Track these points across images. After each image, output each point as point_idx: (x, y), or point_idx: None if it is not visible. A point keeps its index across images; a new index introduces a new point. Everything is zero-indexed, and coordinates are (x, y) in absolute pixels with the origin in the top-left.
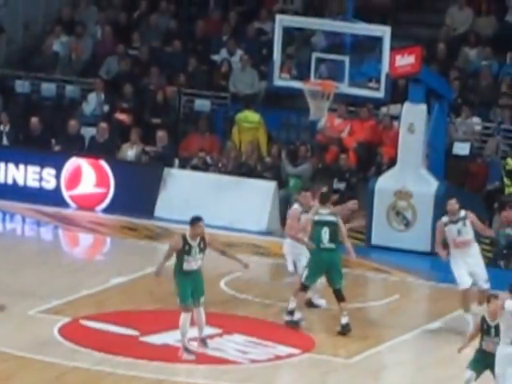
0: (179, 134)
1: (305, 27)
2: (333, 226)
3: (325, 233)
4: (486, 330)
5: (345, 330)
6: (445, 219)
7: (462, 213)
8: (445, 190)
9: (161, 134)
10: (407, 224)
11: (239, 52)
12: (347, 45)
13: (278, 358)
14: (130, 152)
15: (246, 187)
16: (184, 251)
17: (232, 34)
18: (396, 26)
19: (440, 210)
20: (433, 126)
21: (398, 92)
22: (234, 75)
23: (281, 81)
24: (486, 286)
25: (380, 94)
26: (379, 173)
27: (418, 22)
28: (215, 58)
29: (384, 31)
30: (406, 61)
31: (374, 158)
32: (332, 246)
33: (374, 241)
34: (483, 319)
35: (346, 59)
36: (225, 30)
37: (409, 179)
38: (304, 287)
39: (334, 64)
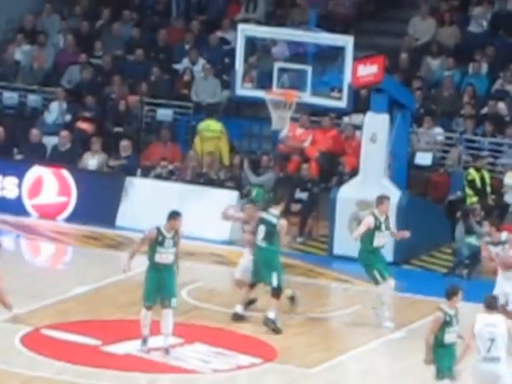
0: (141, 144)
1: (267, 37)
2: (270, 227)
3: (261, 231)
4: None
5: (268, 322)
6: (487, 239)
7: (504, 236)
8: (407, 200)
9: (125, 144)
10: None
11: (201, 61)
12: (310, 54)
13: (240, 367)
14: (91, 161)
15: (208, 196)
16: (157, 242)
17: (194, 43)
18: (359, 36)
19: (402, 219)
20: (395, 135)
21: (361, 102)
22: (197, 84)
23: (243, 90)
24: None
25: (342, 104)
26: (341, 183)
27: (380, 31)
28: (177, 67)
29: (346, 41)
30: (369, 70)
31: (336, 168)
32: (263, 244)
33: (336, 251)
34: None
35: (309, 69)
36: (187, 39)
37: (371, 189)
38: (250, 285)
39: (296, 73)
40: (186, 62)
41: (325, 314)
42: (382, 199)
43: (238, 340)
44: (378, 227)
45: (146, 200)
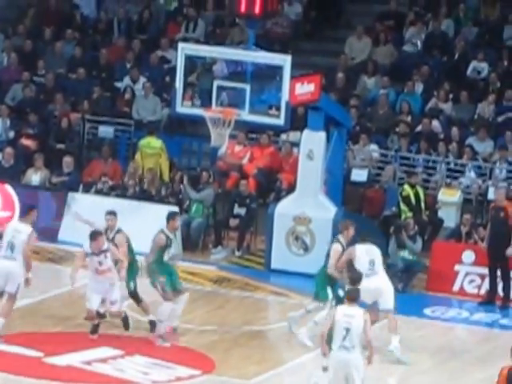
0: (83, 160)
1: (207, 55)
2: None
3: None
4: None
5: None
6: None
7: None
8: (342, 216)
9: (67, 160)
10: (306, 249)
11: (142, 79)
12: (248, 73)
13: (179, 379)
14: (34, 177)
15: (147, 212)
16: (166, 246)
17: (135, 61)
18: (296, 55)
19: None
20: (331, 152)
21: (298, 119)
22: (137, 102)
23: (183, 108)
24: None
25: (280, 122)
26: (279, 198)
27: (317, 50)
28: (119, 85)
29: (284, 60)
30: (306, 89)
31: (273, 184)
32: None
33: (274, 265)
34: None
35: (247, 87)
36: (128, 58)
37: (307, 205)
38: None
39: (235, 92)
40: (127, 80)
41: (262, 326)
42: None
43: (177, 352)
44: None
45: (87, 215)
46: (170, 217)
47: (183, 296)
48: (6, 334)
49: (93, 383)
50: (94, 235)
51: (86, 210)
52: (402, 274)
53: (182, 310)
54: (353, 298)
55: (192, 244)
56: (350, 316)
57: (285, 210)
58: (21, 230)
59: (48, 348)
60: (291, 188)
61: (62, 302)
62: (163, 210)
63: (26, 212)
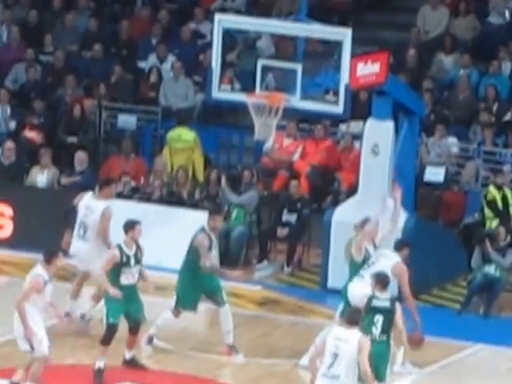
0: (99, 156)
1: (249, 29)
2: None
3: None
4: None
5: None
6: None
7: None
8: (414, 224)
9: (81, 156)
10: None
11: (171, 58)
12: (300, 50)
13: None
14: (40, 177)
15: (177, 219)
16: (122, 263)
17: (163, 36)
18: (358, 29)
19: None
20: (401, 147)
21: (360, 106)
22: (165, 86)
23: (220, 93)
24: None
25: (338, 109)
26: (337, 203)
27: (384, 23)
28: (142, 65)
29: (344, 34)
30: (370, 69)
31: (330, 186)
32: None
33: (331, 283)
34: None
35: (298, 67)
36: (154, 32)
37: (372, 210)
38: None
39: (283, 73)
40: (152, 59)
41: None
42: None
43: None
44: None
45: None
46: (128, 227)
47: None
48: (6, 368)
49: None
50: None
51: None
52: (480, 294)
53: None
54: (351, 321)
55: (232, 258)
56: (342, 340)
57: (344, 216)
58: (93, 209)
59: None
60: (352, 190)
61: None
62: (197, 216)
63: (101, 186)
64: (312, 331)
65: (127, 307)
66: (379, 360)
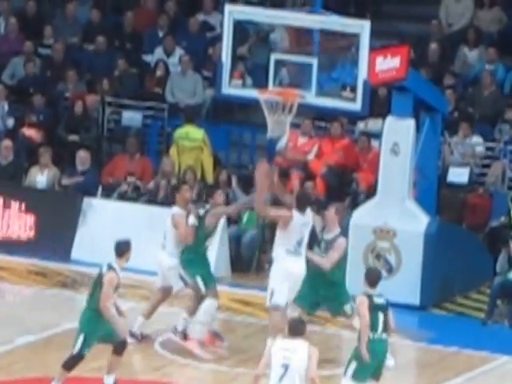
0: (103, 156)
1: (262, 21)
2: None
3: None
4: None
5: None
6: None
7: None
8: (437, 228)
9: (83, 155)
10: (390, 270)
11: (179, 51)
12: (315, 44)
13: None
14: (40, 177)
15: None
16: (116, 286)
17: (170, 28)
18: (377, 21)
19: (431, 252)
20: (422, 146)
21: (379, 103)
22: (172, 81)
23: (231, 89)
24: None
25: (356, 106)
26: (355, 205)
27: (404, 15)
28: (148, 59)
29: (362, 26)
30: (389, 64)
31: (348, 187)
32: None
33: (349, 290)
34: None
35: (314, 62)
36: (161, 24)
37: (392, 214)
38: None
39: (298, 68)
40: (159, 52)
41: (333, 370)
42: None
43: None
44: None
45: (108, 226)
46: (125, 249)
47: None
48: (5, 380)
49: None
50: None
51: (105, 219)
52: (503, 301)
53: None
54: (295, 331)
55: (243, 264)
56: (290, 350)
57: (363, 220)
58: (171, 213)
59: None
60: (371, 192)
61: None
62: None
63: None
64: (329, 340)
65: (106, 330)
66: (381, 359)
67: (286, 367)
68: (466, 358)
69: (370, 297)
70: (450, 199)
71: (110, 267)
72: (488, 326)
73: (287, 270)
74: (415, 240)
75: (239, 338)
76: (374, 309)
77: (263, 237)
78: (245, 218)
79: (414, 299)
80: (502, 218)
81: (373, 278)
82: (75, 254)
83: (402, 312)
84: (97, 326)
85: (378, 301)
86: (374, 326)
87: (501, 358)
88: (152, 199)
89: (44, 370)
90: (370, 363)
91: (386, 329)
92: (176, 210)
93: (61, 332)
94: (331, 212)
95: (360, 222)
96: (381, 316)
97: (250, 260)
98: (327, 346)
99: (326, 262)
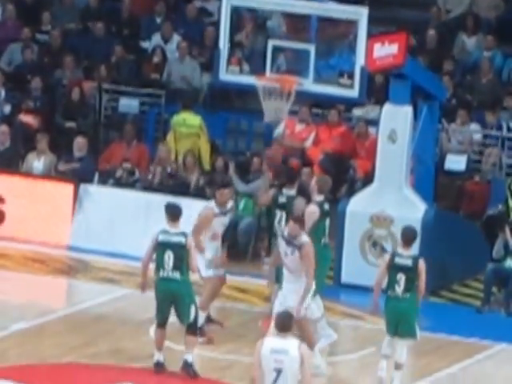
0: (99, 142)
1: (259, 7)
2: (179, 249)
3: (168, 258)
4: None
5: (187, 370)
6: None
7: None
8: (434, 216)
9: (79, 141)
10: None
11: (176, 38)
12: (313, 30)
13: None
14: (36, 163)
15: (184, 208)
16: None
17: (167, 14)
18: (375, 7)
19: (428, 240)
20: (420, 133)
21: (377, 90)
22: (170, 67)
23: (228, 75)
24: None
25: (353, 93)
26: (352, 192)
27: (402, 1)
28: (146, 45)
29: (359, 13)
30: (387, 51)
31: (345, 174)
32: (175, 275)
33: (345, 278)
34: None
35: (311, 49)
36: (158, 10)
37: (389, 201)
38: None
39: (295, 55)
40: (156, 38)
41: (329, 358)
42: None
43: None
44: None
45: (105, 213)
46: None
47: None
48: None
49: None
50: None
51: (102, 205)
52: (498, 288)
53: None
54: (283, 327)
55: (239, 251)
56: (281, 352)
57: (359, 207)
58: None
59: None
60: (368, 179)
61: (73, 325)
62: (202, 206)
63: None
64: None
65: None
66: (405, 317)
67: (278, 371)
68: (462, 345)
69: (393, 255)
70: (448, 187)
71: (183, 233)
72: (484, 313)
73: None
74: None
75: (234, 325)
76: (394, 268)
77: (259, 224)
78: (241, 205)
79: None
80: (500, 206)
81: (405, 237)
82: (72, 240)
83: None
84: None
85: (400, 261)
86: (391, 285)
87: (497, 345)
88: (147, 185)
89: (39, 357)
90: (389, 320)
91: (408, 289)
92: (212, 206)
93: (56, 319)
94: (312, 183)
95: (357, 210)
96: (401, 276)
97: (246, 247)
98: None
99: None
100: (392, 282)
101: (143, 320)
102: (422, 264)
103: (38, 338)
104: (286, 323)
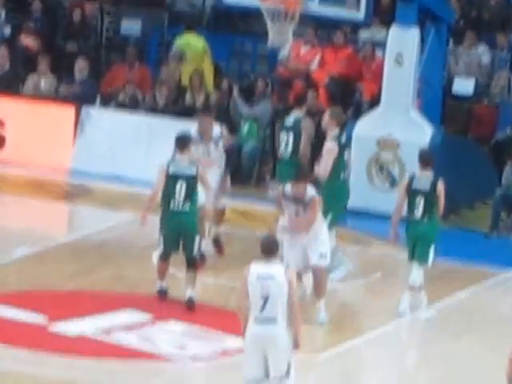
0: (101, 65)
1: None
2: (190, 180)
3: (180, 189)
4: None
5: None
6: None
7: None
8: (441, 139)
9: (81, 64)
10: (393, 182)
11: None
12: None
13: (226, 353)
14: (37, 86)
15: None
16: None
17: None
18: None
19: (435, 164)
20: (427, 56)
21: (383, 11)
22: None
23: None
24: None
25: (359, 14)
26: (358, 115)
27: None
28: None
29: None
30: None
31: (351, 97)
32: (186, 207)
33: (351, 204)
34: None
35: None
36: None
37: (395, 124)
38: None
39: None
40: None
41: (332, 284)
42: None
43: (223, 317)
44: None
45: (107, 136)
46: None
47: None
48: (1, 293)
49: (112, 358)
50: None
51: (104, 129)
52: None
53: None
54: (268, 249)
55: (244, 175)
56: (267, 278)
57: (366, 130)
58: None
59: (55, 312)
60: (374, 102)
61: (74, 252)
62: None
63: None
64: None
65: None
66: (422, 240)
67: (265, 298)
68: (471, 271)
69: (411, 179)
70: (455, 110)
71: (194, 163)
72: (492, 239)
73: None
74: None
75: (238, 251)
76: (412, 192)
77: (263, 148)
78: (245, 129)
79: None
80: (508, 130)
81: (423, 159)
82: (73, 165)
83: (405, 224)
84: None
85: (418, 185)
86: (410, 209)
87: (506, 271)
88: (151, 108)
89: (39, 283)
90: (409, 244)
91: (427, 213)
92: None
93: (57, 245)
94: (326, 117)
95: (363, 133)
96: (419, 200)
97: (250, 171)
98: None
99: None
100: (411, 206)
101: (146, 245)
102: (440, 186)
103: (39, 265)
104: (272, 247)
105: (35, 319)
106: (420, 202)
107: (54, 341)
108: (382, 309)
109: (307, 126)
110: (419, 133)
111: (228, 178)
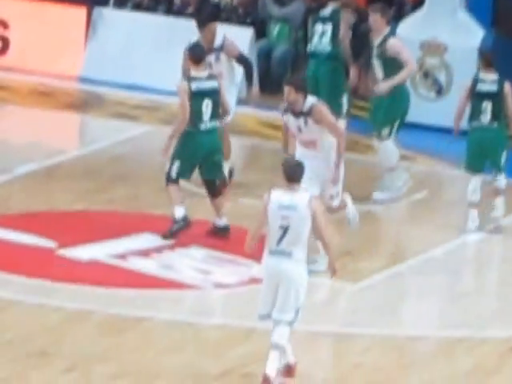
0: None
1: None
2: (216, 95)
3: (206, 107)
4: None
5: (223, 233)
6: None
7: None
8: (493, 42)
9: None
10: (439, 90)
11: None
12: None
13: (253, 281)
14: None
15: None
16: None
17: None
18: None
19: None
20: None
21: None
22: None
23: None
24: None
25: None
26: (400, 17)
27: None
28: None
29: None
30: None
31: None
32: (213, 124)
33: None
34: None
35: None
36: None
37: (442, 26)
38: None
39: None
40: None
41: (374, 205)
42: None
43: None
44: None
45: (121, 40)
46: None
47: None
48: (4, 214)
49: (128, 286)
50: None
51: (118, 31)
52: None
53: None
54: (293, 177)
55: (273, 82)
56: (290, 208)
57: (409, 33)
58: None
59: (64, 235)
60: (418, 1)
61: (85, 168)
62: (232, 32)
63: None
64: (370, 171)
65: None
66: (491, 147)
67: (284, 229)
68: None
69: (475, 81)
70: (508, 9)
71: (212, 75)
72: None
73: None
74: (468, 56)
75: (267, 166)
76: (477, 95)
77: (296, 52)
78: (275, 31)
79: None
80: None
81: (485, 60)
82: (84, 71)
83: (453, 137)
84: None
85: (484, 88)
86: (475, 114)
87: None
88: (170, 9)
89: (46, 203)
90: (474, 153)
91: (495, 118)
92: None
93: (66, 160)
94: (377, 16)
95: (406, 36)
96: (486, 104)
97: (280, 78)
98: (365, 176)
99: (405, 72)
100: (476, 112)
101: (164, 161)
102: (508, 87)
103: (46, 183)
104: (295, 173)
105: (41, 243)
106: (487, 107)
107: (63, 267)
108: (429, 232)
109: (347, 17)
110: (468, 35)
111: (253, 88)
